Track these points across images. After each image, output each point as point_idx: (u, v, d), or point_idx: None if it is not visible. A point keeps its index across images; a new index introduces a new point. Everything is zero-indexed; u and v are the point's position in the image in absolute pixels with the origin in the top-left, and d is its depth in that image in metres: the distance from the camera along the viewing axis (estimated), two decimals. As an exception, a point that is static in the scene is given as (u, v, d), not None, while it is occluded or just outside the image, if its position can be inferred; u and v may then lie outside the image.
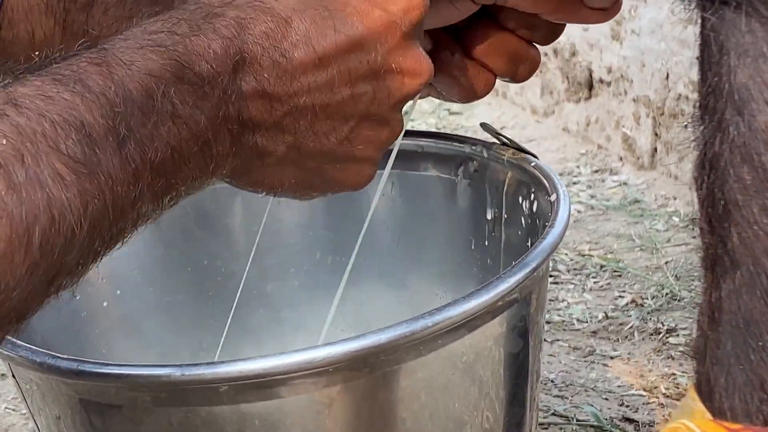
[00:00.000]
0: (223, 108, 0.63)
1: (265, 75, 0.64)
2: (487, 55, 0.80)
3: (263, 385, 0.68)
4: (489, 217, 0.91)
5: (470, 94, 0.81)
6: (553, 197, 0.80)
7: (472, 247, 0.93)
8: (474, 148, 0.92)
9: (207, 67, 0.62)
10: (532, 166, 0.86)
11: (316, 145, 0.67)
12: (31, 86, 0.57)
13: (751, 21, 0.55)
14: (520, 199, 0.88)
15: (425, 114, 2.29)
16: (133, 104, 0.58)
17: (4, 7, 0.76)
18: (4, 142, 0.53)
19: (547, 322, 1.50)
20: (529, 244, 0.81)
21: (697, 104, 0.59)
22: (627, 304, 1.53)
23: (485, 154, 0.90)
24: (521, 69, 0.81)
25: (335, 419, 0.71)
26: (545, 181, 0.83)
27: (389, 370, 0.70)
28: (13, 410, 1.34)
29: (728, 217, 0.56)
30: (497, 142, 0.90)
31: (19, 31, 0.77)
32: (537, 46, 0.81)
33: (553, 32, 0.80)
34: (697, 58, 0.59)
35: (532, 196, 0.86)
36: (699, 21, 0.58)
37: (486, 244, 0.92)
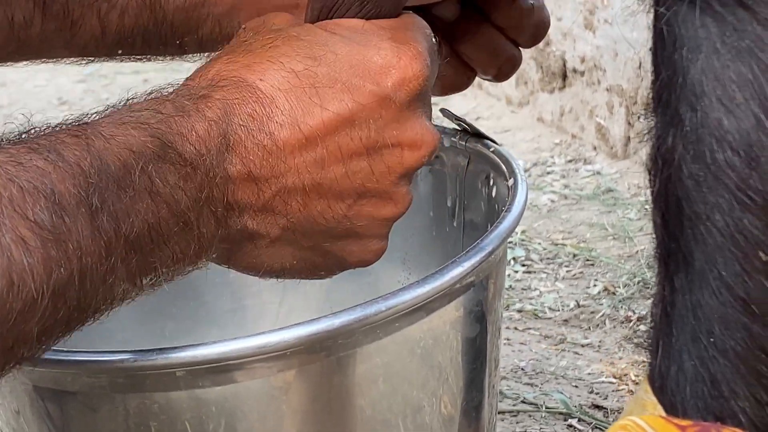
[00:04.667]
0: (206, 190, 0.61)
1: (251, 157, 0.63)
2: (472, 50, 0.80)
3: (219, 370, 0.68)
4: (449, 203, 0.92)
5: (450, 87, 0.82)
6: (510, 182, 0.80)
7: (434, 233, 0.93)
8: (435, 134, 0.91)
9: (190, 148, 0.61)
10: (491, 152, 0.86)
11: (311, 224, 0.66)
12: (5, 154, 0.55)
13: (704, 16, 0.54)
14: (480, 184, 0.88)
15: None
16: (108, 177, 0.57)
17: None
18: None
19: (519, 311, 1.50)
20: (489, 228, 0.80)
21: (650, 96, 0.59)
22: (599, 292, 1.54)
23: (445, 141, 0.90)
24: (504, 67, 0.81)
25: (292, 404, 0.71)
26: (504, 166, 0.83)
27: (345, 354, 0.70)
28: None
29: (681, 213, 0.56)
30: (458, 128, 0.90)
31: None
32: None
33: (536, 36, 0.81)
34: (650, 49, 0.59)
35: (491, 181, 0.86)
36: (653, 13, 0.58)
37: (447, 229, 0.92)
